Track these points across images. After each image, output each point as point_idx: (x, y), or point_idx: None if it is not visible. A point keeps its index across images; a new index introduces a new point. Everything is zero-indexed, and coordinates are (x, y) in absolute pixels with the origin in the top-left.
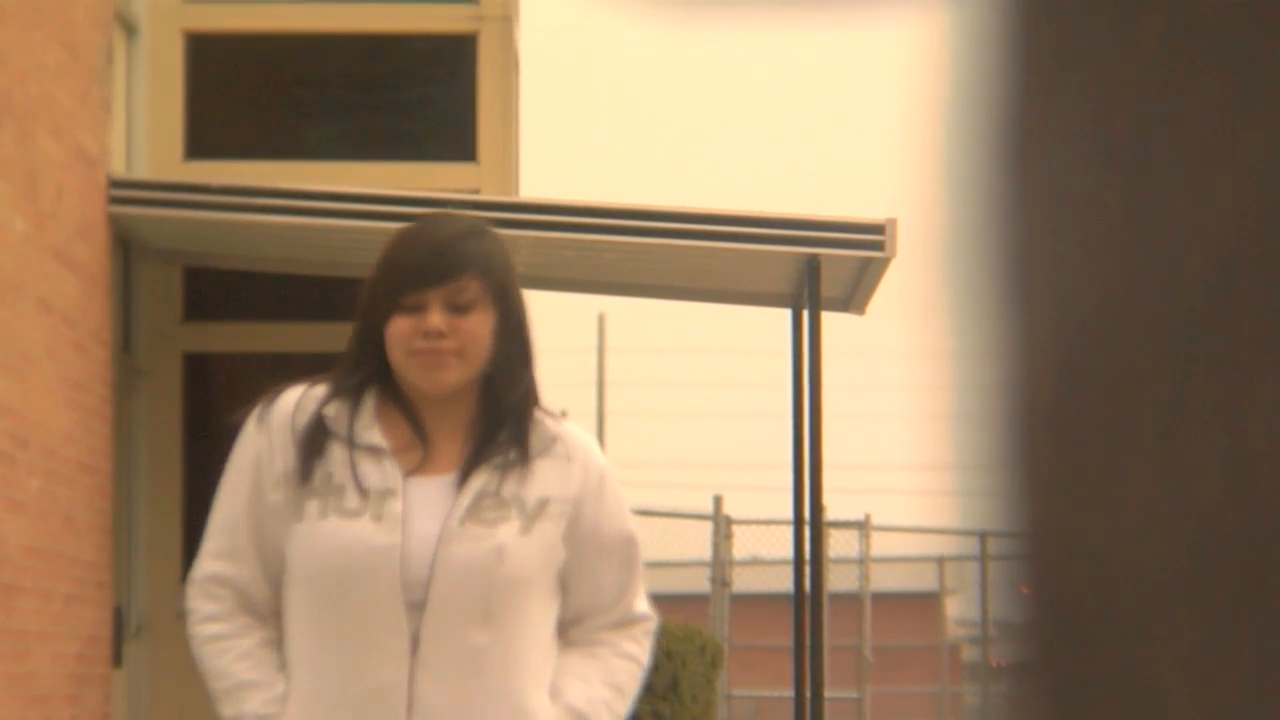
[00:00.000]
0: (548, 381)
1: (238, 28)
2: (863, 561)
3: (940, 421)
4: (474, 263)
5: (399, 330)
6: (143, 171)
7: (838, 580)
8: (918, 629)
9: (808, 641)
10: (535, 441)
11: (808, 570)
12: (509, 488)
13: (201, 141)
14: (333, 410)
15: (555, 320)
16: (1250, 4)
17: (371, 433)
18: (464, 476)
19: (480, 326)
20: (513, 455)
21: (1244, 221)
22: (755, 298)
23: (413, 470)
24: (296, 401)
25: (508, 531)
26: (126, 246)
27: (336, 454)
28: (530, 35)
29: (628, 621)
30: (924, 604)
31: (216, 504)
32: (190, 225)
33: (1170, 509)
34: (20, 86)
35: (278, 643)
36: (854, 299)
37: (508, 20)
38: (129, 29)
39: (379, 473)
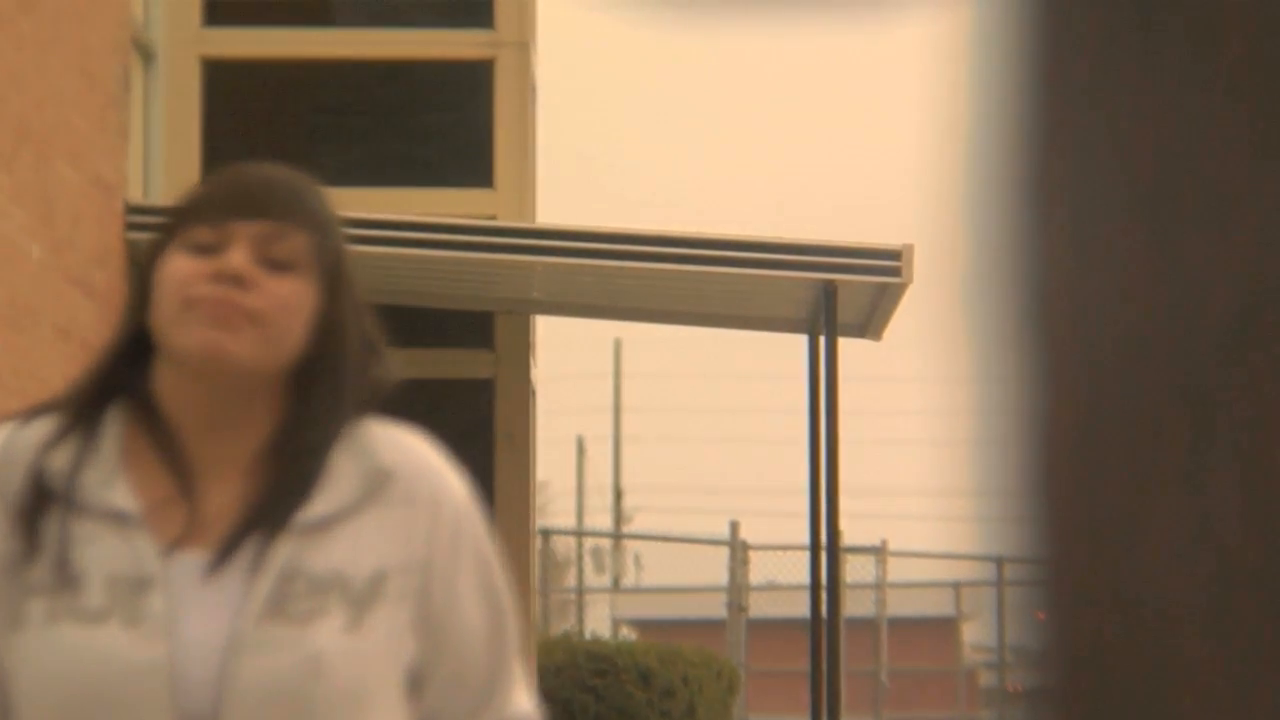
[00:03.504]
0: (565, 407)
1: (255, 54)
2: (879, 586)
3: (957, 447)
4: (307, 213)
5: (176, 271)
6: (160, 197)
7: (854, 605)
8: (934, 654)
9: (824, 666)
10: (354, 472)
11: (824, 595)
12: (323, 558)
13: (219, 168)
14: (58, 458)
15: (572, 346)
16: (1275, 40)
17: (110, 490)
18: (244, 537)
19: (297, 296)
20: (324, 505)
21: (1268, 258)
22: (772, 323)
23: (176, 541)
24: (2, 449)
25: (328, 631)
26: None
27: (65, 526)
28: (547, 61)
29: None
30: (941, 629)
31: None
32: None
33: (1192, 543)
34: (37, 113)
35: None
36: (871, 324)
37: (524, 46)
38: (146, 55)
39: (125, 552)
